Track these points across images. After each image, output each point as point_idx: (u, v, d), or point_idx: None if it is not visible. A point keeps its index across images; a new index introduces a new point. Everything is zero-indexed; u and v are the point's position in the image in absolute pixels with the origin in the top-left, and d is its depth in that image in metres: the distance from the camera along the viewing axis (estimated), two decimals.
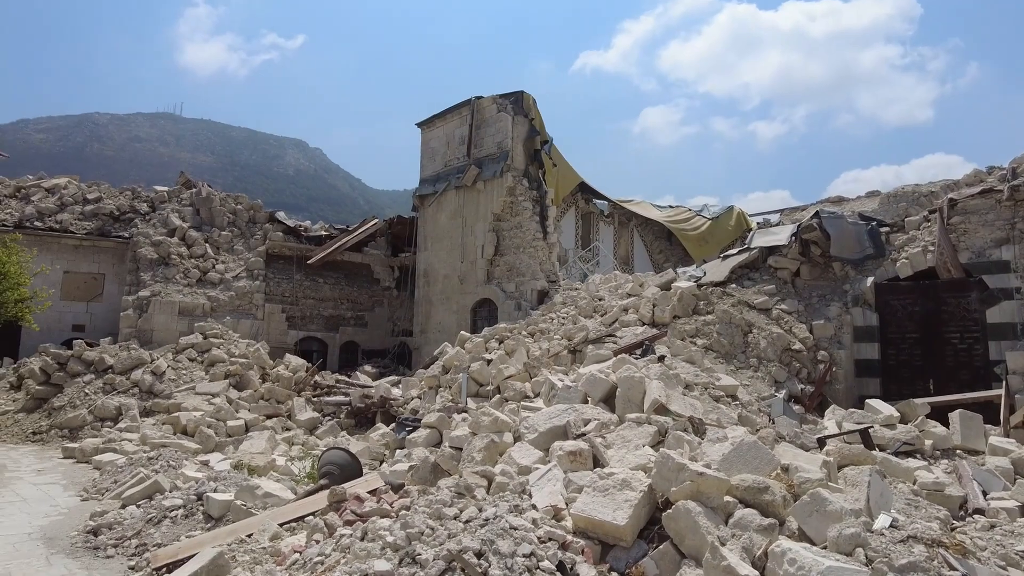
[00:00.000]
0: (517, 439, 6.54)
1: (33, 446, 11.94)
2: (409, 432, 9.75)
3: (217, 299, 18.45)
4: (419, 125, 21.60)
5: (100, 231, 18.93)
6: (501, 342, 12.45)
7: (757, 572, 3.62)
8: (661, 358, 8.94)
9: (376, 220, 23.16)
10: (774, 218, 24.32)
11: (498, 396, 10.19)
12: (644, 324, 11.68)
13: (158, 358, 14.56)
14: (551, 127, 19.02)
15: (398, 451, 9.18)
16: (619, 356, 8.47)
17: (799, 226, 13.59)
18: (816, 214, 13.45)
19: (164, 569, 5.23)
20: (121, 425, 12.08)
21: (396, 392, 13.00)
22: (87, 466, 10.06)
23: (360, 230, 22.13)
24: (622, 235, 22.89)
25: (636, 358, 8.85)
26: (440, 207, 20.21)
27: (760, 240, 14.08)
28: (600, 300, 13.61)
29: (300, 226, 22.05)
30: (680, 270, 14.33)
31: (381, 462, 9.14)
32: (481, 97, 19.28)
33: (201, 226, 19.86)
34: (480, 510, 3.54)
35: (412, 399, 12.23)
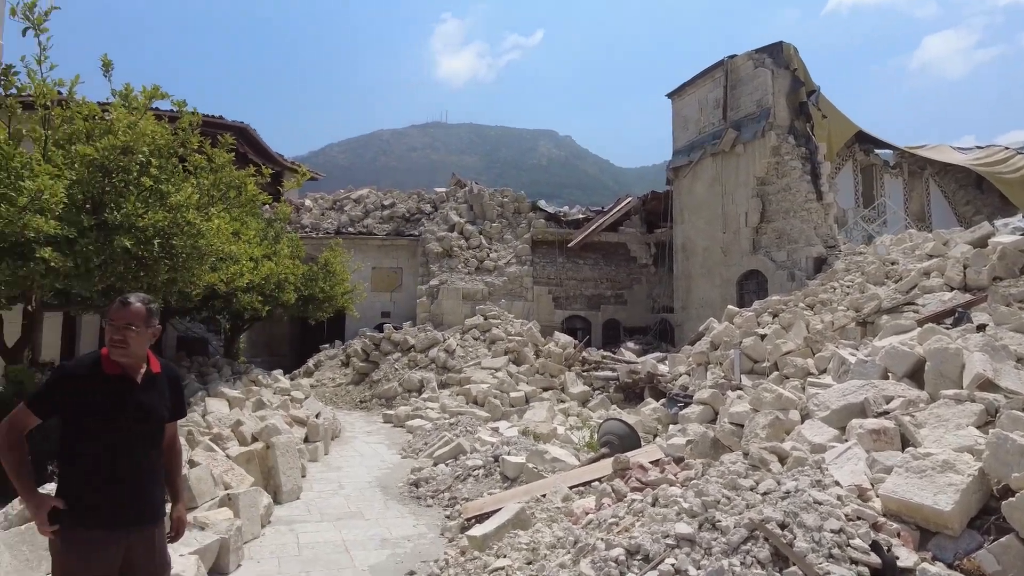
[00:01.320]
0: (805, 417, 6.13)
1: (361, 412, 14.40)
2: (681, 408, 9.70)
3: (493, 284, 20.32)
4: (669, 96, 21.11)
5: (396, 231, 22.00)
6: (775, 316, 11.68)
7: None
8: (981, 327, 7.58)
9: (630, 198, 23.26)
10: None
11: (776, 373, 9.60)
12: (952, 289, 10.00)
13: (448, 338, 16.51)
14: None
15: (671, 426, 9.21)
16: (926, 326, 7.39)
17: None
18: None
19: (473, 520, 5.95)
20: (424, 395, 13.99)
21: (663, 368, 13.00)
22: (401, 429, 11.84)
23: (615, 210, 22.43)
24: (914, 187, 19.80)
25: (946, 328, 7.64)
26: (695, 177, 19.55)
27: None
28: (892, 264, 11.98)
29: (559, 212, 23.10)
30: (999, 222, 11.94)
31: (654, 436, 9.25)
32: (734, 56, 18.14)
33: (475, 220, 21.99)
34: (778, 483, 3.40)
35: (680, 375, 12.12)
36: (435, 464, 8.20)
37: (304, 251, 15.07)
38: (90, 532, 2.47)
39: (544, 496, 5.67)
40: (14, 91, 5.54)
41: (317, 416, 10.26)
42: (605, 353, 16.11)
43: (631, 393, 13.28)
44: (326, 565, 5.15)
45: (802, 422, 5.99)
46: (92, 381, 2.53)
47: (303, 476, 7.98)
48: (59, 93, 5.74)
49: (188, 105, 6.85)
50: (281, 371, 14.52)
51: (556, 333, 17.11)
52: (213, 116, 15.31)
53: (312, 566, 5.12)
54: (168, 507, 2.88)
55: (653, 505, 3.84)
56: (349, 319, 19.33)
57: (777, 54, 17.04)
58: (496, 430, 9.82)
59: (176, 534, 2.91)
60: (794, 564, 2.74)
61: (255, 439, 7.47)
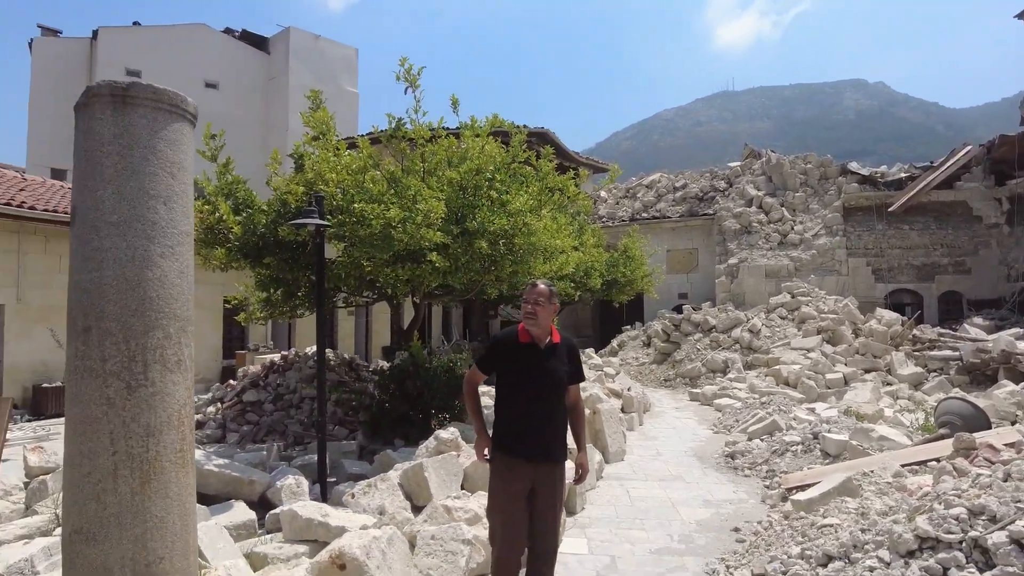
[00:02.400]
0: None
1: (665, 390, 15.00)
2: None
3: (799, 259, 19.17)
4: (1019, 16, 17.46)
5: (689, 212, 22.08)
6: None
7: None
8: None
9: (969, 147, 19.78)
10: None
11: None
12: None
13: (752, 318, 16.18)
14: None
15: None
16: None
17: None
18: None
19: (794, 490, 6.08)
20: (730, 375, 14.01)
21: (1022, 346, 11.09)
22: (709, 407, 12.12)
23: (948, 163, 19.31)
24: None
25: None
26: None
27: None
28: None
29: (875, 173, 20.71)
30: None
31: (1012, 423, 8.09)
32: None
33: (775, 192, 20.92)
34: None
35: None
36: (749, 439, 8.38)
37: (605, 240, 16.18)
38: (512, 459, 3.31)
39: (871, 472, 5.56)
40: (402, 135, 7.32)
41: (628, 390, 11.13)
42: (942, 331, 14.22)
43: (979, 375, 11.62)
44: (656, 516, 5.83)
45: None
46: (511, 347, 3.39)
47: (624, 441, 8.85)
48: (430, 132, 7.38)
49: (499, 122, 8.17)
50: (592, 349, 15.87)
51: (878, 309, 15.57)
52: (519, 126, 17.23)
53: (645, 515, 5.85)
54: (573, 454, 3.55)
55: (1005, 480, 3.67)
56: (647, 301, 20.06)
57: None
58: (812, 410, 9.55)
59: (580, 477, 3.56)
60: None
61: None
